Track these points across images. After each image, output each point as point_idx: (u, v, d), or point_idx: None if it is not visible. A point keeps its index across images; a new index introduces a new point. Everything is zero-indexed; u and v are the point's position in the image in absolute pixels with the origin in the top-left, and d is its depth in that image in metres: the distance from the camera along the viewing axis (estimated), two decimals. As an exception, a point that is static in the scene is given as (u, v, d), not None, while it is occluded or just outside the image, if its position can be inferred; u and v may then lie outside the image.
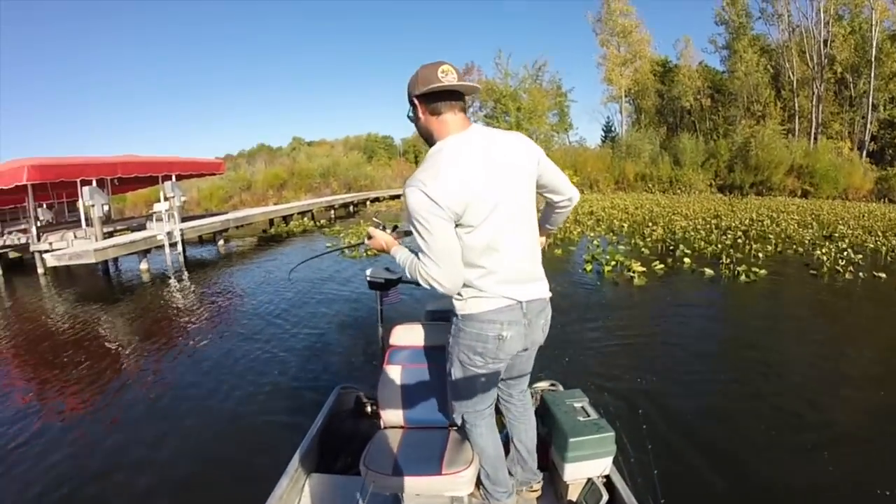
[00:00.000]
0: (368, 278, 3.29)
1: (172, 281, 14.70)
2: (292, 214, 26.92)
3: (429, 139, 2.21)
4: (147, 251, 16.56)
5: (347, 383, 3.74)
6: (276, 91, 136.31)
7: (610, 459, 2.53)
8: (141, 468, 4.54)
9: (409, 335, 2.94)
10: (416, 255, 2.06)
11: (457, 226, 2.04)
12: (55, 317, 11.80)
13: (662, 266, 9.74)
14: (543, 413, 2.82)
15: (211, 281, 14.31)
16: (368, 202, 35.43)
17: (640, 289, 8.67)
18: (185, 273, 15.72)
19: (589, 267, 10.21)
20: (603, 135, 44.55)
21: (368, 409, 3.43)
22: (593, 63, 44.88)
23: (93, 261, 14.33)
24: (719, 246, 10.94)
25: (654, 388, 5.25)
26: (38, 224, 19.53)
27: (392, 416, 2.84)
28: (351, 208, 33.04)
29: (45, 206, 22.14)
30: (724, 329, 7.26)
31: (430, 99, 2.12)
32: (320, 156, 47.77)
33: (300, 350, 7.29)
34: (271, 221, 25.52)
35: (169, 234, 16.77)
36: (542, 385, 3.34)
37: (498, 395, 2.61)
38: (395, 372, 2.86)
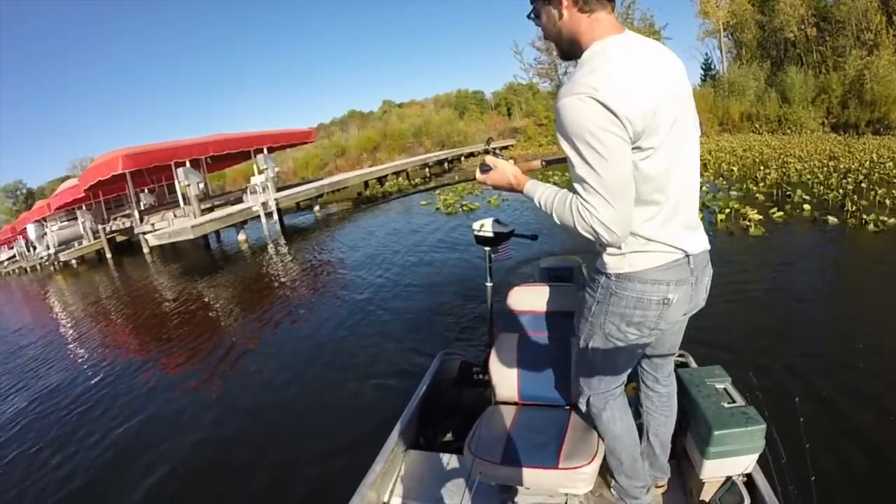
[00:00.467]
0: (476, 232, 2.96)
1: (270, 249, 14.80)
2: (386, 175, 26.77)
3: (569, 45, 1.70)
4: (244, 223, 16.81)
5: (451, 349, 3.51)
6: (364, 57, 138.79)
7: (755, 456, 2.07)
8: (241, 440, 4.44)
9: (529, 298, 2.62)
10: (574, 191, 1.54)
11: (632, 149, 1.53)
12: (160, 291, 12.37)
13: (781, 213, 8.62)
14: (680, 394, 2.29)
15: (308, 247, 14.18)
16: (463, 157, 34.85)
17: (758, 239, 7.59)
18: (283, 241, 15.75)
19: (700, 215, 8.96)
20: (702, 73, 41.02)
21: (475, 377, 3.17)
22: None
23: (191, 237, 14.62)
24: (840, 191, 9.59)
25: (803, 367, 4.11)
26: (142, 207, 20.69)
27: (504, 390, 2.54)
28: (446, 165, 32.58)
29: (146, 190, 23.48)
30: (868, 285, 5.80)
31: None
32: (411, 116, 47.87)
33: (401, 313, 6.85)
34: (366, 184, 25.46)
35: (264, 204, 16.95)
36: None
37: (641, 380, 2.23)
38: (511, 339, 2.57)
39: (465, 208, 14.20)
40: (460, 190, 17.55)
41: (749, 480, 2.13)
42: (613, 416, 2.06)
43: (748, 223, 8.15)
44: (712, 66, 40.22)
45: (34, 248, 25.70)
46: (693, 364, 2.72)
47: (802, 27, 34.14)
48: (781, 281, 6.04)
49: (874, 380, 3.82)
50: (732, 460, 2.06)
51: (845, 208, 8.49)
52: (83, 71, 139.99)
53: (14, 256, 35.58)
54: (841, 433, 3.32)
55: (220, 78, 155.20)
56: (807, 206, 8.82)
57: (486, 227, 2.93)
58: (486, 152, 1.96)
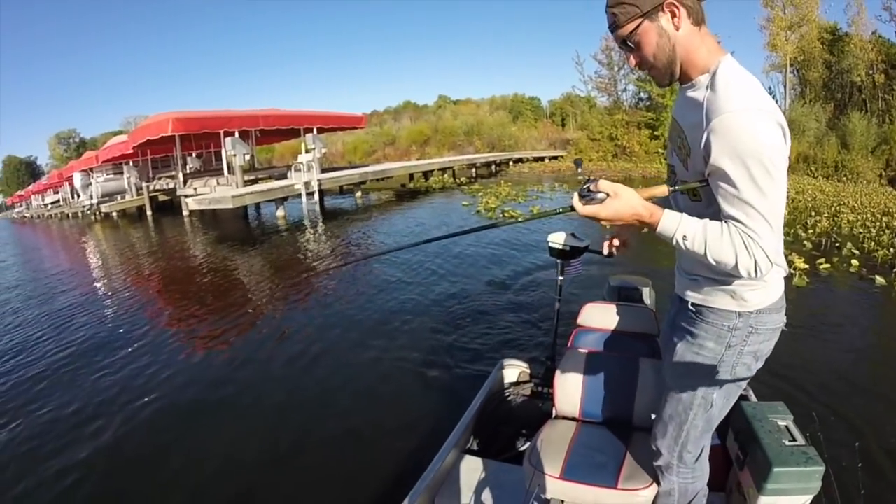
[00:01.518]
0: (550, 244, 2.99)
1: (307, 228, 15.08)
2: (433, 170, 26.84)
3: (682, 63, 1.54)
4: (284, 199, 17.12)
5: (512, 358, 3.48)
6: (426, 49, 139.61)
7: (810, 498, 2.05)
8: (281, 426, 4.35)
9: (601, 316, 2.65)
10: (730, 219, 1.41)
11: None
12: (194, 253, 12.80)
13: (827, 265, 8.29)
14: (738, 426, 2.33)
15: (346, 231, 14.38)
16: (511, 162, 34.71)
17: (800, 290, 7.33)
18: (321, 221, 16.02)
19: None
20: None
21: (534, 388, 3.20)
22: (755, 26, 40.50)
23: (230, 206, 14.92)
24: (892, 250, 9.11)
25: (856, 414, 4.15)
26: (187, 171, 21.31)
27: (566, 405, 2.55)
28: (493, 167, 32.45)
29: (193, 154, 24.11)
30: None
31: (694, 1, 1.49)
32: (465, 114, 47.85)
33: (454, 314, 6.72)
34: (411, 176, 25.63)
35: (306, 183, 17.24)
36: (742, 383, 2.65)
37: None
38: (579, 355, 2.58)
39: (505, 214, 14.11)
40: (503, 195, 17.52)
41: None
42: (702, 473, 2.03)
43: (793, 272, 7.82)
44: (775, 100, 39.35)
45: (78, 195, 26.70)
46: (754, 398, 2.67)
47: (871, 72, 33.04)
48: (825, 335, 5.94)
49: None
50: (787, 499, 2.07)
51: (895, 269, 8.15)
52: (146, 28, 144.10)
53: (58, 201, 37.22)
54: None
55: (283, 51, 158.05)
56: (854, 262, 8.43)
57: (561, 239, 2.94)
58: (581, 184, 1.54)
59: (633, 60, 1.59)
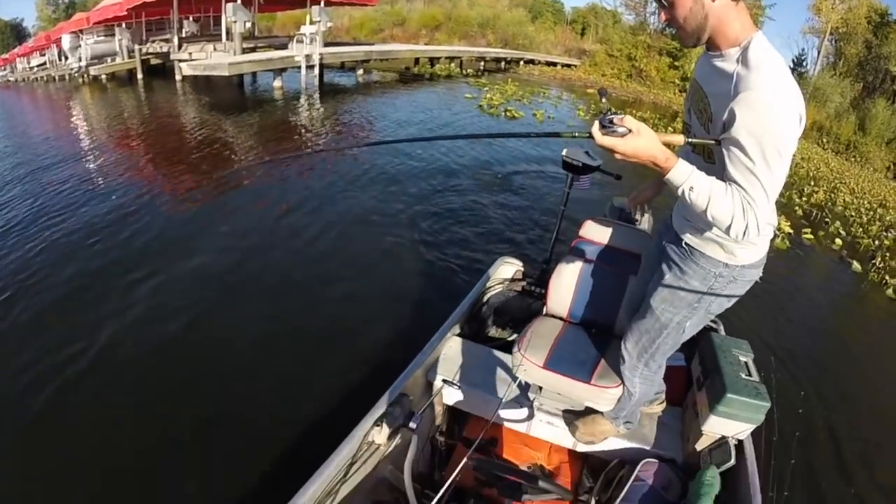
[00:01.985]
0: (565, 157, 3.23)
1: (303, 101, 14.68)
2: (440, 57, 26.01)
3: (712, 33, 1.61)
4: (283, 70, 16.58)
5: (510, 256, 3.73)
6: None
7: (751, 427, 2.40)
8: (279, 306, 4.46)
9: (601, 232, 2.84)
10: (740, 188, 1.53)
11: None
12: (183, 119, 12.47)
13: (811, 237, 8.57)
14: (704, 353, 2.65)
15: (343, 108, 14.04)
16: (522, 62, 33.38)
17: (779, 252, 7.63)
18: (318, 96, 15.58)
19: None
20: (791, 67, 38.90)
21: (527, 286, 3.47)
22: None
23: (226, 73, 14.50)
24: (876, 242, 9.28)
25: (808, 374, 4.83)
26: (183, 34, 20.50)
27: (558, 306, 2.82)
28: (503, 64, 31.44)
29: (191, 18, 23.13)
30: (861, 343, 6.20)
31: None
32: (482, 5, 46.15)
33: (459, 207, 6.87)
34: (417, 60, 24.91)
35: (307, 56, 16.65)
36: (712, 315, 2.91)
37: None
38: (576, 263, 2.78)
39: (507, 113, 13.88)
40: (508, 94, 17.07)
41: (739, 445, 2.41)
42: (657, 378, 2.37)
43: (778, 232, 7.98)
44: (804, 64, 38.37)
45: (66, 58, 25.76)
46: (723, 332, 2.97)
47: (908, 66, 32.43)
48: (795, 298, 6.59)
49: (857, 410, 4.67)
50: (733, 423, 2.36)
51: (873, 261, 8.31)
52: None
53: (44, 64, 35.89)
54: (831, 434, 4.12)
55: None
56: (838, 241, 8.74)
57: (576, 155, 3.20)
58: (603, 113, 1.58)
59: (663, 16, 1.66)
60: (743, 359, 2.57)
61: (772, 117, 1.45)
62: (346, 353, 3.80)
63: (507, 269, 3.61)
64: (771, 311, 5.74)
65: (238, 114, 12.77)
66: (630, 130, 1.51)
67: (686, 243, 1.94)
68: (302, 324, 4.12)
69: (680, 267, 1.98)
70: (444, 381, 2.62)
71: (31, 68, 40.07)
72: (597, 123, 1.54)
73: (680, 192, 1.57)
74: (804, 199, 10.94)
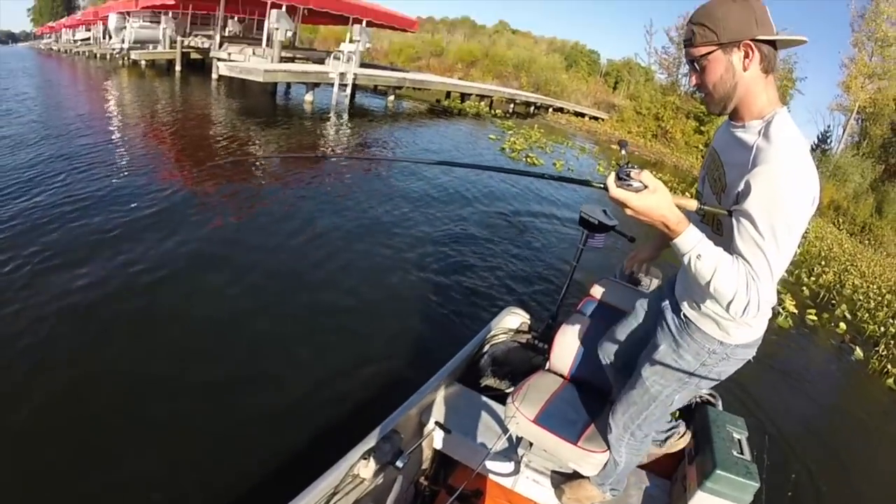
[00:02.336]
0: (582, 214, 3.22)
1: (332, 119, 14.97)
2: (471, 94, 26.41)
3: (738, 102, 1.63)
4: (316, 85, 16.94)
5: (517, 307, 3.71)
6: None
7: None
8: (276, 314, 4.50)
9: (610, 293, 2.85)
10: (746, 262, 1.49)
11: None
12: (213, 118, 12.78)
13: (815, 318, 8.41)
14: (699, 426, 2.65)
15: (368, 130, 14.30)
16: (552, 109, 33.98)
17: (782, 331, 7.52)
18: (346, 115, 15.88)
19: None
20: (815, 143, 38.66)
21: (531, 340, 3.43)
22: (837, 61, 38.78)
23: (260, 80, 14.79)
24: (882, 329, 9.10)
25: (803, 456, 4.74)
26: (226, 33, 21.04)
27: (560, 363, 2.80)
28: (532, 109, 31.89)
29: (236, 18, 23.68)
30: (856, 432, 6.16)
31: (769, 49, 1.56)
32: (520, 47, 46.81)
33: (470, 247, 6.85)
34: (448, 93, 25.27)
35: (342, 74, 16.98)
36: (702, 392, 2.99)
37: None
38: (583, 321, 2.77)
39: (528, 159, 14.03)
40: (532, 140, 17.29)
41: None
42: (643, 448, 2.32)
43: (781, 310, 7.98)
44: (829, 141, 38.18)
45: (110, 37, 26.44)
46: (720, 406, 2.93)
47: (933, 156, 32.31)
48: (794, 380, 6.43)
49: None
50: (720, 501, 2.32)
51: (876, 348, 8.14)
52: None
53: (88, 39, 36.76)
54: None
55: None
56: (843, 325, 8.58)
57: (593, 212, 3.15)
58: (621, 165, 1.49)
59: (694, 80, 1.66)
60: (737, 436, 2.56)
61: (786, 194, 1.43)
62: (341, 383, 3.79)
63: (512, 320, 3.58)
64: (769, 390, 5.72)
65: (266, 121, 13.08)
66: (646, 186, 1.45)
67: (685, 314, 1.92)
68: (299, 348, 4.10)
69: (675, 339, 1.96)
70: (437, 423, 2.57)
71: (76, 41, 41.14)
72: (613, 175, 1.47)
73: (686, 259, 1.51)
74: (812, 279, 10.84)
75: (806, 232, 16.67)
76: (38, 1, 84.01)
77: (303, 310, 4.60)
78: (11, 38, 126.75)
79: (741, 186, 1.49)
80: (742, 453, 2.44)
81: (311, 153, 10.16)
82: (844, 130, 36.27)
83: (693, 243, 1.48)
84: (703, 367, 1.92)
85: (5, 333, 3.65)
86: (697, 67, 1.63)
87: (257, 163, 8.90)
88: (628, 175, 1.43)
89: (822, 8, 65.80)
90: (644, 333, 2.21)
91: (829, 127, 38.68)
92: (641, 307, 2.29)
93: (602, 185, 1.49)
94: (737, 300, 1.46)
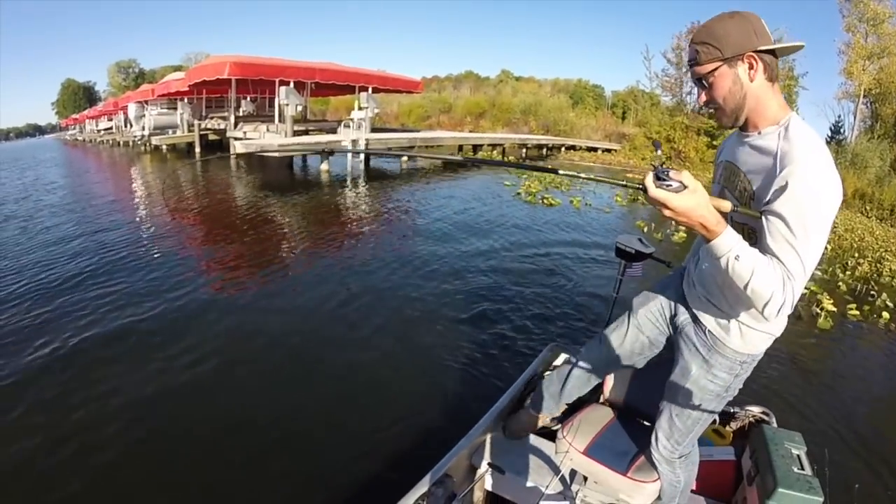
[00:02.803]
0: (618, 244, 3.22)
1: (349, 186, 15.45)
2: (482, 145, 26.86)
3: (749, 112, 1.70)
4: (330, 153, 17.61)
5: (561, 343, 3.69)
6: (492, 22, 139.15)
7: None
8: (315, 377, 4.57)
9: None
10: (780, 262, 1.50)
11: None
12: (234, 194, 13.65)
13: (857, 312, 7.94)
14: (756, 447, 2.61)
15: (383, 193, 14.64)
16: (564, 148, 34.11)
17: (823, 332, 7.12)
18: (363, 180, 16.37)
19: None
20: (829, 136, 37.55)
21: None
22: (834, 50, 38.37)
23: (275, 154, 15.58)
24: None
25: (865, 463, 4.38)
26: (240, 113, 22.01)
27: (614, 394, 2.80)
28: (544, 151, 32.19)
29: (248, 98, 24.77)
30: None
31: (771, 58, 1.66)
32: (526, 92, 47.53)
33: (510, 287, 6.92)
34: (460, 147, 25.73)
35: (354, 141, 17.56)
36: (755, 410, 3.07)
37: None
38: None
39: (544, 201, 14.11)
40: (547, 181, 17.46)
41: None
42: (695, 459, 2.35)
43: (819, 311, 7.63)
44: (842, 131, 37.38)
45: (130, 125, 27.71)
46: (775, 423, 2.90)
47: (950, 123, 31.38)
48: (837, 385, 5.96)
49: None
50: None
51: None
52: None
53: (111, 128, 38.56)
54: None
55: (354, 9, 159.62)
56: (885, 315, 8.06)
57: (629, 242, 3.18)
58: (657, 166, 1.48)
59: (703, 98, 1.73)
60: (795, 452, 2.52)
61: (816, 192, 1.47)
62: (391, 430, 3.81)
63: (556, 357, 3.54)
64: (823, 398, 5.42)
65: (284, 194, 13.53)
66: (686, 186, 1.43)
67: (710, 332, 1.94)
68: (346, 403, 4.18)
69: (706, 360, 1.97)
70: (490, 464, 2.59)
71: (99, 131, 43.19)
72: (650, 175, 1.45)
73: (724, 261, 1.49)
74: (848, 273, 10.34)
75: (835, 226, 15.99)
76: (61, 94, 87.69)
77: (345, 368, 4.68)
78: (38, 130, 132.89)
79: (774, 188, 1.52)
80: (802, 469, 2.42)
81: (347, 230, 10.41)
82: (855, 117, 35.10)
83: (731, 244, 1.48)
84: (736, 378, 1.98)
85: (63, 430, 3.75)
86: (706, 84, 1.69)
87: (286, 232, 9.32)
88: (667, 175, 1.43)
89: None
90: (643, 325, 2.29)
91: (839, 117, 37.66)
92: (649, 320, 2.29)
93: (640, 186, 1.49)
94: (773, 301, 1.47)
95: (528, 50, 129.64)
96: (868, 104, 34.73)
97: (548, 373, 2.66)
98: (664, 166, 1.46)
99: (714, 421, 2.85)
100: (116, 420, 3.85)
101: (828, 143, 35.82)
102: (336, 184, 15.73)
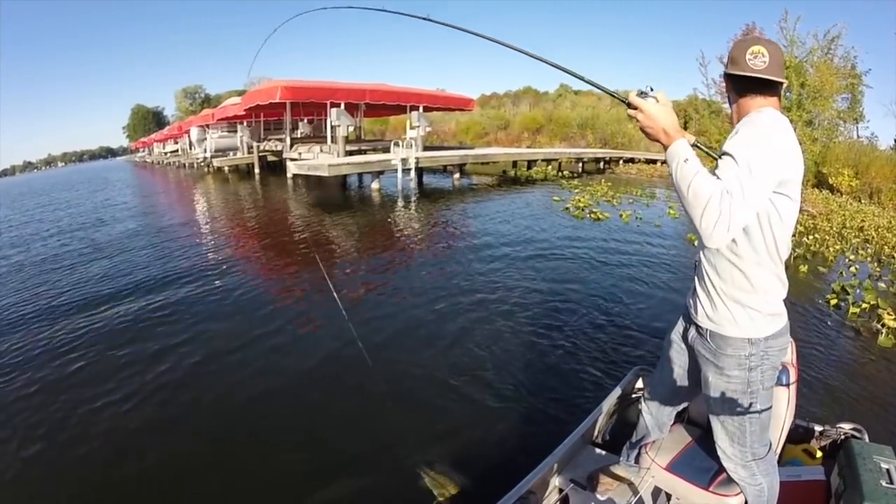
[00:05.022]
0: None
1: (399, 203, 15.90)
2: (536, 160, 26.89)
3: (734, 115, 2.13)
4: (380, 172, 18.12)
5: (646, 366, 3.67)
6: (543, 35, 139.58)
7: None
8: (398, 396, 4.56)
9: None
10: (720, 179, 1.77)
11: (774, 193, 1.89)
12: (289, 214, 14.41)
13: None
14: (844, 462, 2.60)
15: (430, 210, 14.99)
16: (622, 161, 33.75)
17: (884, 351, 6.46)
18: (413, 197, 16.87)
19: (833, 300, 7.91)
20: None
21: None
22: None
23: (325, 174, 16.06)
24: None
25: None
26: (298, 135, 23.03)
27: (697, 413, 2.87)
28: (601, 164, 31.86)
29: (305, 120, 25.74)
30: None
31: (739, 83, 2.06)
32: (583, 106, 47.20)
33: (592, 312, 6.79)
34: (514, 163, 25.99)
35: (403, 160, 17.99)
36: (846, 427, 3.04)
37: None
38: None
39: (592, 215, 14.00)
40: (598, 195, 17.45)
41: None
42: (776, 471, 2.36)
43: (880, 327, 6.99)
44: None
45: (194, 148, 29.10)
46: (866, 438, 2.91)
47: None
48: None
49: None
50: None
51: None
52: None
53: (177, 151, 40.63)
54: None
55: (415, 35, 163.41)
56: None
57: None
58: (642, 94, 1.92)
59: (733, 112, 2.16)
60: (885, 465, 2.49)
61: (759, 136, 1.82)
62: (478, 447, 3.85)
63: (642, 380, 3.55)
64: None
65: (336, 212, 14.21)
66: (657, 101, 1.89)
67: (710, 332, 2.13)
68: (436, 420, 4.18)
69: (716, 364, 2.14)
70: (572, 480, 2.66)
71: (166, 153, 45.64)
72: (634, 91, 1.91)
73: (675, 164, 1.79)
74: None
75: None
76: (131, 119, 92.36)
77: (430, 389, 4.70)
78: (110, 152, 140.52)
79: (728, 139, 1.89)
80: (892, 482, 2.39)
81: (393, 248, 10.78)
82: None
83: (684, 150, 1.81)
84: (751, 372, 2.09)
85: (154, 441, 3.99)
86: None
87: (341, 252, 9.83)
88: (649, 91, 1.89)
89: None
90: (672, 366, 2.44)
91: None
92: (675, 350, 2.44)
93: (625, 101, 1.93)
94: (709, 208, 1.67)
95: (586, 62, 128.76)
96: (941, 101, 32.68)
97: (642, 401, 2.71)
98: (649, 88, 1.90)
99: (801, 434, 2.96)
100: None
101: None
102: (386, 202, 16.25)
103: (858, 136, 37.02)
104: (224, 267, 8.44)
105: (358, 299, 7.05)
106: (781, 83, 2.01)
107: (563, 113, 44.66)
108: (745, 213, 1.72)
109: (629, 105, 1.92)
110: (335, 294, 6.45)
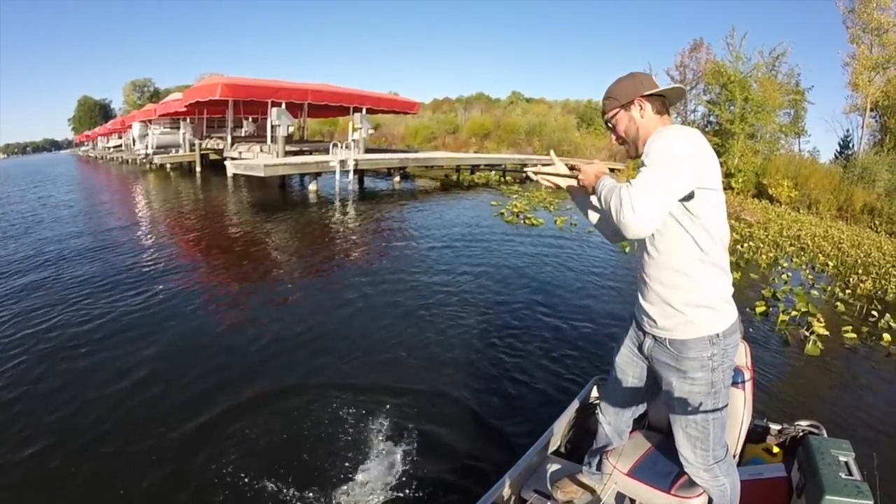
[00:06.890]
0: None
1: (337, 206, 16.18)
2: (479, 165, 27.25)
3: (637, 139, 2.21)
4: (318, 174, 18.40)
5: (604, 375, 3.49)
6: (498, 42, 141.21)
7: None
8: (353, 409, 4.41)
9: None
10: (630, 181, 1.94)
11: (696, 190, 1.98)
12: (228, 213, 14.88)
13: (854, 335, 7.32)
14: (803, 458, 2.70)
15: (368, 212, 15.24)
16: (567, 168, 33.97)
17: (809, 360, 6.54)
18: (351, 200, 17.12)
19: (761, 307, 8.12)
20: (838, 150, 36.52)
21: None
22: (839, 61, 37.84)
23: (262, 175, 16.19)
24: None
25: None
26: (241, 134, 23.09)
27: (656, 418, 2.89)
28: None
29: (250, 119, 25.70)
30: None
31: (658, 99, 2.19)
32: (534, 113, 47.69)
33: (547, 319, 6.80)
34: (457, 168, 26.29)
35: (342, 162, 18.15)
36: (804, 424, 3.18)
37: None
38: None
39: (527, 221, 14.33)
40: (536, 201, 17.77)
41: None
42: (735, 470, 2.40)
43: (808, 334, 7.08)
44: (850, 145, 36.81)
45: (136, 143, 28.84)
46: (824, 434, 2.99)
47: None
48: (868, 396, 5.79)
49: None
50: None
51: None
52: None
53: (120, 146, 39.98)
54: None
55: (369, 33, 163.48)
56: (887, 337, 7.44)
57: None
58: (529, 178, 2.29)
59: (614, 138, 2.32)
60: (843, 458, 2.56)
61: (662, 144, 1.92)
62: (436, 464, 3.69)
63: (597, 389, 3.58)
64: (863, 406, 5.37)
65: (273, 213, 14.40)
66: (581, 168, 2.18)
67: (669, 340, 2.18)
68: (389, 431, 4.04)
69: (678, 369, 2.18)
70: (536, 491, 2.68)
71: (109, 148, 44.83)
72: (531, 169, 2.38)
73: (599, 193, 2.00)
74: (848, 292, 9.74)
75: (838, 242, 15.55)
76: (77, 111, 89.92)
77: (384, 392, 4.60)
78: (54, 145, 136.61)
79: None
80: (851, 474, 2.47)
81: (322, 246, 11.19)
82: (863, 130, 34.46)
83: (601, 186, 2.01)
84: (713, 372, 2.14)
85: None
86: (611, 126, 2.26)
87: (262, 256, 9.95)
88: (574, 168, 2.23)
89: (814, 10, 66.59)
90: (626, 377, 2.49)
91: (848, 131, 37.08)
92: (626, 361, 2.49)
93: (574, 173, 2.23)
94: (623, 205, 1.80)
95: (538, 71, 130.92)
96: (877, 117, 34.12)
97: (599, 411, 2.71)
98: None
99: (760, 433, 3.08)
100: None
101: (836, 157, 35.73)
102: (323, 203, 16.53)
103: (800, 150, 38.42)
104: (150, 273, 8.37)
105: (281, 303, 7.12)
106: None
107: (511, 119, 45.00)
108: (653, 194, 1.81)
109: (571, 168, 2.25)
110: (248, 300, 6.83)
